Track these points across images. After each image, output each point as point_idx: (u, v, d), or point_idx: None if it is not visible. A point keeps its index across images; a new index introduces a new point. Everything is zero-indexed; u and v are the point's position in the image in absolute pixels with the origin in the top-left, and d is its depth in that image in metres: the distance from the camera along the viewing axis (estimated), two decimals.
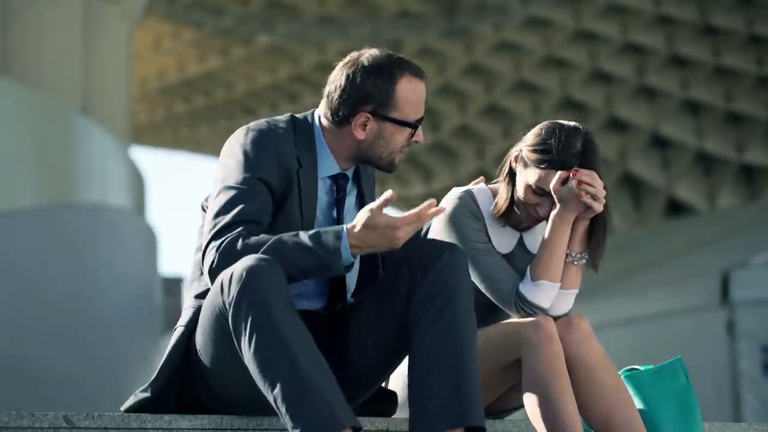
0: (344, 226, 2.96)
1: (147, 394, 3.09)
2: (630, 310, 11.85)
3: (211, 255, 3.00)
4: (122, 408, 3.11)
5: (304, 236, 2.97)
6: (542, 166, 3.36)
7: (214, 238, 3.02)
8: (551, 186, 3.35)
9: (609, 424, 3.24)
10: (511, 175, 3.45)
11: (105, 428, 2.95)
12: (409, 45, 24.53)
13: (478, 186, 3.52)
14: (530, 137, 3.43)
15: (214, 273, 2.99)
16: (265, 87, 27.08)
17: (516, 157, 3.44)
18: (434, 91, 25.77)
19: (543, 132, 3.40)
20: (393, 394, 3.31)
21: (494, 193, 3.49)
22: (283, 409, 2.80)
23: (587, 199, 3.32)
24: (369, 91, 3.13)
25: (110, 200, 14.89)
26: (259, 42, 25.18)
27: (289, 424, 2.80)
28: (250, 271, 2.87)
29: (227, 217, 3.02)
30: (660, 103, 23.85)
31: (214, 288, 2.95)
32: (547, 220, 3.41)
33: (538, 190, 3.38)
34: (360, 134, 3.15)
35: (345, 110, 3.15)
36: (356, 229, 2.95)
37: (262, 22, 24.25)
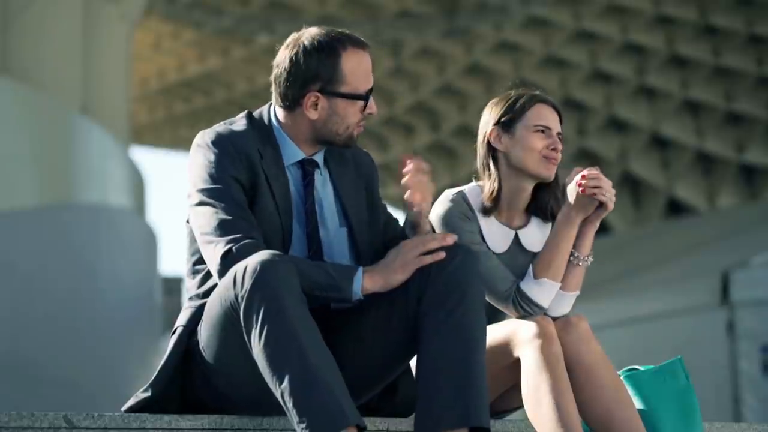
0: (361, 269, 3.02)
1: (147, 395, 3.09)
2: (630, 310, 11.84)
3: (219, 264, 3.01)
4: (123, 408, 3.11)
5: (319, 262, 3.06)
6: (529, 107, 3.46)
7: (222, 244, 3.02)
8: (567, 180, 3.39)
9: (608, 424, 3.24)
10: (493, 158, 3.48)
11: (105, 428, 2.95)
12: (409, 45, 24.53)
13: (469, 186, 3.53)
14: (495, 109, 3.50)
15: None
16: (265, 87, 26.80)
17: (496, 137, 3.47)
18: (434, 91, 25.79)
19: (501, 97, 3.52)
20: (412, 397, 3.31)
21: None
22: (290, 404, 2.81)
23: (600, 196, 3.34)
24: (314, 70, 3.13)
25: (110, 200, 14.89)
26: (259, 42, 25.17)
27: (295, 419, 2.80)
28: (264, 265, 2.88)
29: (224, 225, 3.04)
30: (660, 103, 23.85)
31: (226, 281, 2.96)
32: (558, 161, 3.46)
33: (541, 127, 3.44)
34: (313, 114, 3.16)
35: (294, 92, 3.16)
36: (374, 277, 3.02)
37: (262, 22, 24.25)
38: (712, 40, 22.53)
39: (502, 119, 3.47)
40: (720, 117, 23.37)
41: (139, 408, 3.09)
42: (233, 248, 2.99)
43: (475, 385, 2.93)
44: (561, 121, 3.51)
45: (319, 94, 3.14)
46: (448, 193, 3.48)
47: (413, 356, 3.13)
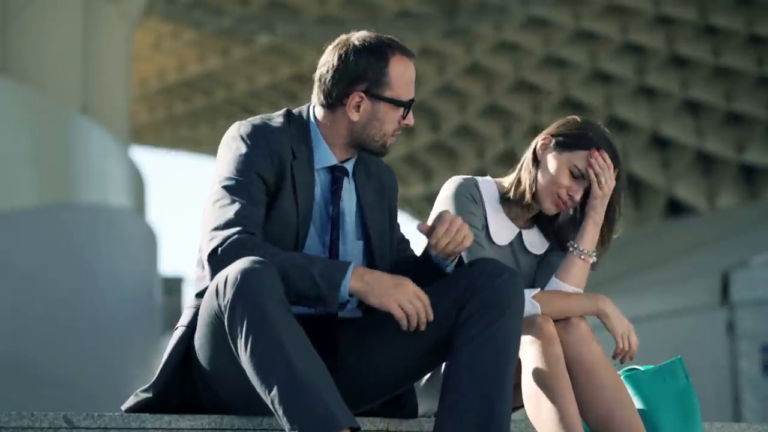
0: (353, 264, 2.97)
1: (148, 395, 3.08)
2: (630, 310, 11.78)
3: (207, 259, 3.01)
4: (123, 407, 3.11)
5: (309, 260, 2.97)
6: (586, 147, 3.40)
7: (215, 241, 3.01)
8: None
9: (608, 424, 3.24)
10: (535, 162, 3.46)
11: (105, 428, 2.95)
12: (409, 45, 24.34)
13: (483, 177, 3.53)
14: (558, 126, 3.46)
15: (212, 276, 3.00)
16: (265, 87, 27.09)
17: (543, 145, 3.44)
18: (434, 91, 25.78)
19: (577, 120, 3.46)
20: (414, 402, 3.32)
21: (500, 187, 3.50)
22: (280, 411, 2.80)
23: (592, 175, 3.36)
24: (363, 70, 3.13)
25: (110, 200, 14.90)
26: (259, 42, 25.18)
27: (286, 426, 2.80)
28: (245, 273, 2.86)
29: (224, 220, 3.02)
30: (660, 103, 23.85)
31: (210, 291, 2.95)
32: (571, 208, 3.44)
33: (575, 171, 3.40)
34: (354, 115, 3.15)
35: (339, 91, 3.14)
36: (361, 278, 2.96)
37: (262, 22, 24.26)
38: (712, 40, 22.53)
39: (559, 137, 3.45)
40: (720, 117, 23.37)
41: (140, 408, 3.08)
42: (222, 246, 2.98)
43: (499, 397, 2.95)
44: (616, 171, 3.43)
45: (363, 95, 3.13)
46: (460, 177, 3.48)
47: (440, 364, 3.15)
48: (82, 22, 15.44)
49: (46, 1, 14.71)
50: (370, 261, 3.22)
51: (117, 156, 15.32)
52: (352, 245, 3.21)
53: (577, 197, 3.42)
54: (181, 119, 29.70)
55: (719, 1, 21.81)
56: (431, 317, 2.98)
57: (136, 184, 16.15)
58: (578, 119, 3.47)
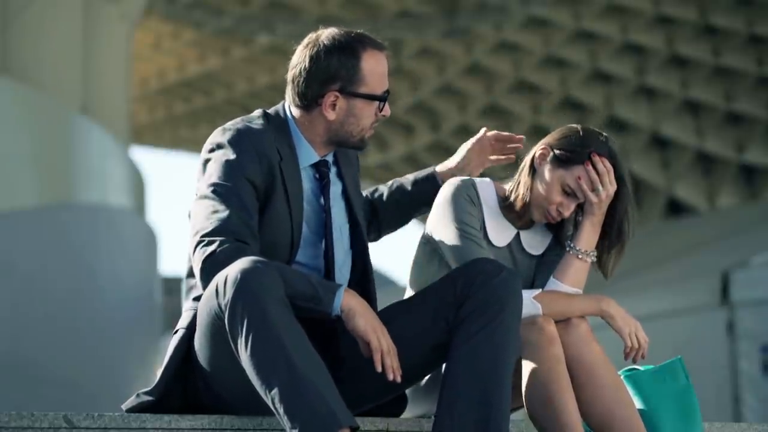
0: (344, 286, 2.98)
1: (150, 397, 3.08)
2: (630, 310, 11.76)
3: (201, 264, 3.00)
4: (123, 407, 3.11)
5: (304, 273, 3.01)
6: (581, 163, 3.37)
7: (207, 249, 2.99)
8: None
9: (608, 424, 3.25)
10: (532, 171, 3.44)
11: (105, 428, 2.95)
12: (409, 45, 24.53)
13: (480, 178, 3.52)
14: (558, 138, 3.43)
15: (207, 280, 2.98)
16: (265, 87, 27.08)
17: (541, 155, 3.43)
18: (434, 91, 25.78)
19: (578, 134, 3.42)
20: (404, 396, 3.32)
21: (498, 189, 3.50)
22: (280, 410, 2.81)
23: (585, 187, 3.33)
24: (335, 70, 3.13)
25: (110, 200, 14.89)
26: (259, 42, 25.18)
27: (287, 425, 2.80)
28: (245, 273, 2.86)
29: (215, 228, 3.01)
30: (660, 103, 23.85)
31: (209, 291, 2.94)
32: (556, 220, 3.42)
33: (568, 189, 3.39)
34: (330, 114, 3.16)
35: (313, 92, 3.16)
36: (357, 298, 2.97)
37: (262, 22, 24.25)
38: (712, 40, 22.53)
39: (556, 151, 3.42)
40: (720, 117, 23.37)
41: (141, 409, 3.08)
42: (218, 251, 2.97)
43: (498, 394, 2.96)
44: (619, 193, 3.41)
45: (338, 94, 3.14)
46: (458, 178, 3.48)
47: (440, 365, 3.15)
48: (82, 22, 15.44)
49: (46, 1, 14.70)
50: (360, 245, 3.25)
51: (117, 156, 15.32)
52: (339, 236, 3.23)
53: (567, 213, 3.41)
54: (181, 119, 29.70)
55: (719, 1, 21.80)
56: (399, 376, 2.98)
57: (136, 184, 16.14)
58: (580, 132, 3.42)
